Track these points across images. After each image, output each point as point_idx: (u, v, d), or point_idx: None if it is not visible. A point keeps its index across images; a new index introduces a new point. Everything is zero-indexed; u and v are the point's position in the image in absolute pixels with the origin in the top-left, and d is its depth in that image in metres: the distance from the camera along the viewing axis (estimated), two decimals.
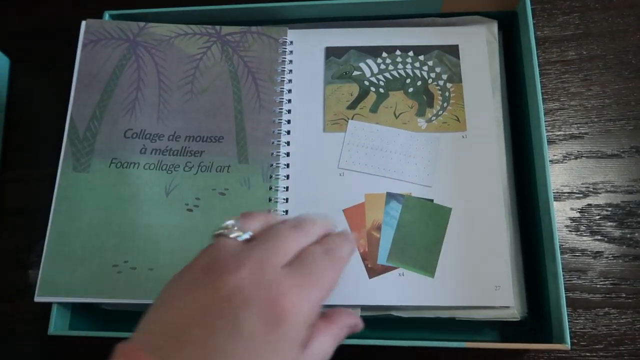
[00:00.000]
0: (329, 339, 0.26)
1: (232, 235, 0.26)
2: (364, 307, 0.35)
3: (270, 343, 0.22)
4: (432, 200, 0.38)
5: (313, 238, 0.27)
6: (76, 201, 0.37)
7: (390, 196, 0.38)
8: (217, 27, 0.41)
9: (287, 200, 0.38)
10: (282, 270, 0.24)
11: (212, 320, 0.23)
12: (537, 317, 0.35)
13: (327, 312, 0.27)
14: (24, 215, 0.44)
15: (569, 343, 0.31)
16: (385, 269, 0.36)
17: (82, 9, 0.50)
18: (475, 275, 0.35)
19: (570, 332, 0.37)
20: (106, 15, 0.42)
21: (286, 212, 0.37)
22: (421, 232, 0.37)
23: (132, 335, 0.23)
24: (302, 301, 0.24)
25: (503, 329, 0.36)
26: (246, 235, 0.26)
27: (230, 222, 0.27)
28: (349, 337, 0.27)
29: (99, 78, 0.39)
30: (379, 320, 0.36)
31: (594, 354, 0.36)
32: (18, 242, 0.44)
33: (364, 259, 0.36)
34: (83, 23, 0.41)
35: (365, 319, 0.34)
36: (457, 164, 0.38)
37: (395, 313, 0.35)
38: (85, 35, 0.40)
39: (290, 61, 0.41)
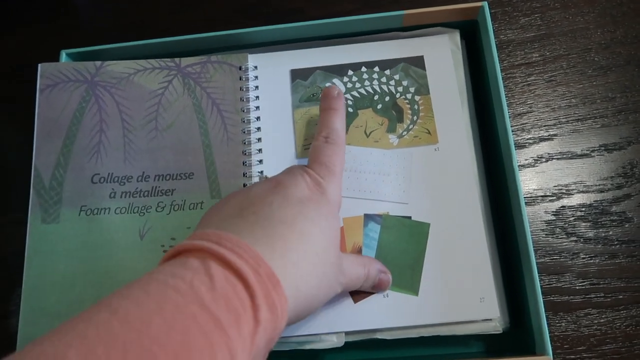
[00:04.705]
0: (358, 264, 0.33)
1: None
2: (348, 332, 0.36)
3: (315, 205, 0.29)
4: (409, 217, 0.38)
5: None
6: (48, 254, 0.36)
7: (368, 217, 0.38)
8: (177, 59, 0.40)
9: None
10: (306, 168, 0.32)
11: (268, 196, 0.29)
12: (520, 327, 0.36)
13: None
14: None
15: (551, 354, 0.32)
16: (370, 292, 0.36)
17: (41, 48, 0.49)
18: (459, 289, 0.35)
19: (552, 337, 0.37)
20: (63, 54, 0.41)
21: None
22: (402, 250, 0.37)
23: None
24: (331, 185, 0.32)
25: (488, 340, 0.37)
26: None
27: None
28: None
29: (59, 123, 0.38)
30: (363, 342, 0.36)
31: (578, 356, 0.37)
32: None
33: None
34: (39, 67, 0.39)
35: (349, 342, 0.35)
36: (432, 177, 0.38)
37: (379, 335, 0.35)
38: (42, 80, 0.39)
39: (256, 87, 0.41)
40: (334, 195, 0.32)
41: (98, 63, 0.40)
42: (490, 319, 0.35)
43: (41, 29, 0.49)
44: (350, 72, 0.41)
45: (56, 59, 0.40)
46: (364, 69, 0.41)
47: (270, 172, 0.39)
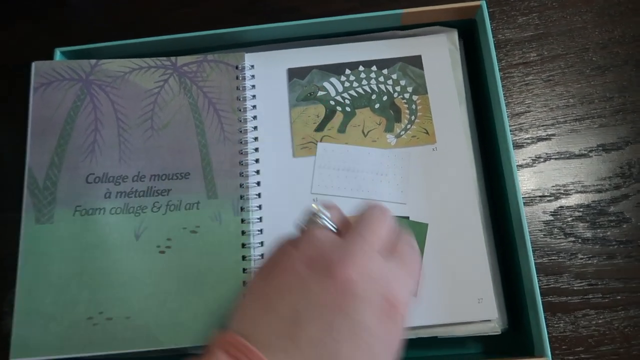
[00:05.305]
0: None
1: (324, 223, 0.27)
2: None
3: (385, 337, 0.24)
4: (407, 218, 0.37)
5: (392, 222, 0.28)
6: (43, 255, 0.36)
7: None
8: (173, 58, 0.40)
9: (261, 231, 0.37)
10: (384, 263, 0.25)
11: (330, 317, 0.23)
12: (518, 328, 0.36)
13: None
14: None
15: (550, 355, 0.32)
16: None
17: (36, 46, 0.48)
18: (457, 290, 0.35)
19: (550, 337, 0.37)
20: (57, 52, 0.40)
21: (261, 243, 0.37)
22: None
23: (227, 325, 0.23)
24: (405, 294, 0.25)
25: (486, 341, 0.37)
26: (334, 226, 0.27)
27: (315, 209, 0.28)
28: None
29: (54, 122, 0.38)
30: None
31: (576, 357, 0.37)
32: None
33: None
34: (33, 65, 0.39)
35: None
36: (430, 177, 0.38)
37: None
38: (36, 79, 0.38)
39: (253, 86, 0.40)
40: (405, 324, 0.26)
41: (93, 61, 0.39)
42: (489, 320, 0.35)
43: (37, 26, 0.49)
44: (347, 71, 0.41)
45: (52, 57, 0.40)
46: (361, 68, 0.41)
47: (267, 172, 0.38)
